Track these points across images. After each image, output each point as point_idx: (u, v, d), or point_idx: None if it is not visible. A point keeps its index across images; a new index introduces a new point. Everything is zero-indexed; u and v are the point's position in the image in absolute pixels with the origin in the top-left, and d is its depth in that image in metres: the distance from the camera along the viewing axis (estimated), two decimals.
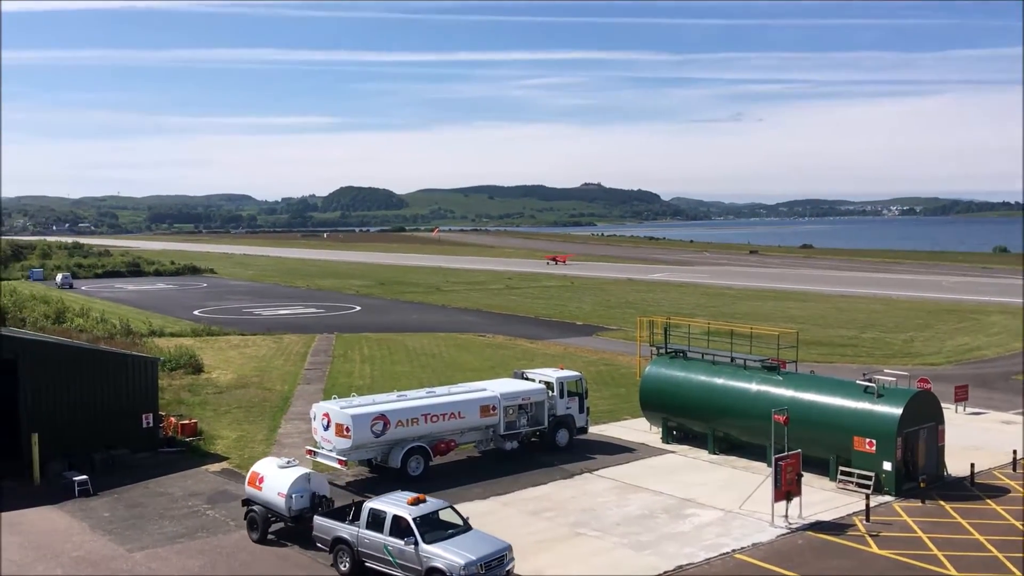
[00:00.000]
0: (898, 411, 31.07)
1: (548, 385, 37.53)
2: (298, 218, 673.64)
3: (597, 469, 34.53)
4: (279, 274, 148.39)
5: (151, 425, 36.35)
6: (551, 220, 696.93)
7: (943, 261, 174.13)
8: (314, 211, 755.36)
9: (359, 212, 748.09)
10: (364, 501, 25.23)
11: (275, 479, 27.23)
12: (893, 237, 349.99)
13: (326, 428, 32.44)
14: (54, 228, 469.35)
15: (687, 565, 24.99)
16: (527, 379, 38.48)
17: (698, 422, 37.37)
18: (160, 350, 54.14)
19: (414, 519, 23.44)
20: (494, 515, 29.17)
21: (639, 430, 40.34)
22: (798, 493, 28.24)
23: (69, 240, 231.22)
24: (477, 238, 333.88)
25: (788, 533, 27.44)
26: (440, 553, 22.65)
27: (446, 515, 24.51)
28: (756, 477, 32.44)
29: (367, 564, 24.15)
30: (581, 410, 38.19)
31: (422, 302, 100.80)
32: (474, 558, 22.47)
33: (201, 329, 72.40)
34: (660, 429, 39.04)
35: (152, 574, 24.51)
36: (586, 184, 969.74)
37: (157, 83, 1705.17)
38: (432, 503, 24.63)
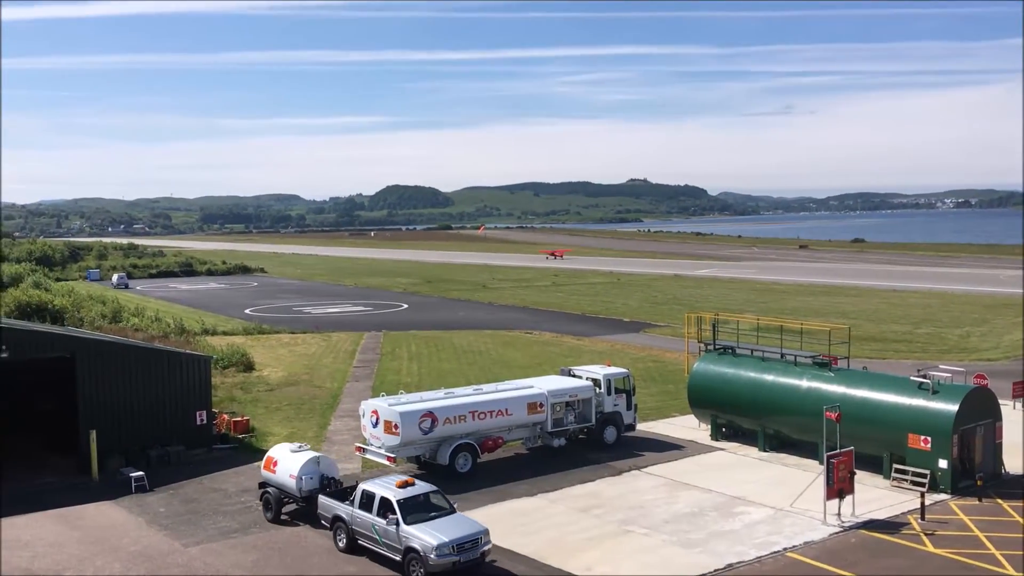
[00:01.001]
0: (954, 408, 30.41)
1: (595, 382, 37.42)
2: (345, 217, 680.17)
3: (645, 466, 34.36)
4: (327, 273, 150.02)
5: (204, 422, 37.02)
6: (597, 217, 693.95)
7: (999, 255, 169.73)
8: (361, 210, 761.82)
9: (405, 210, 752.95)
10: (360, 482, 26.69)
11: (287, 462, 28.98)
12: (948, 230, 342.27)
13: (375, 425, 32.76)
14: (110, 229, 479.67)
15: (737, 563, 24.75)
16: (574, 376, 38.41)
17: (748, 419, 36.97)
18: (213, 348, 55.10)
19: (398, 501, 24.84)
20: (542, 512, 29.20)
21: (688, 427, 40.05)
22: (851, 491, 27.81)
23: (124, 241, 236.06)
24: (523, 235, 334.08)
25: (841, 531, 27.03)
26: (417, 534, 23.97)
27: (436, 499, 25.63)
28: (807, 475, 32.00)
29: (359, 541, 25.69)
30: (629, 407, 38.02)
31: (469, 299, 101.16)
32: (446, 539, 23.69)
33: (252, 327, 73.56)
34: (709, 426, 38.71)
35: (207, 568, 24.96)
36: (632, 180, 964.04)
37: (209, 86, 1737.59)
38: (420, 487, 25.89)
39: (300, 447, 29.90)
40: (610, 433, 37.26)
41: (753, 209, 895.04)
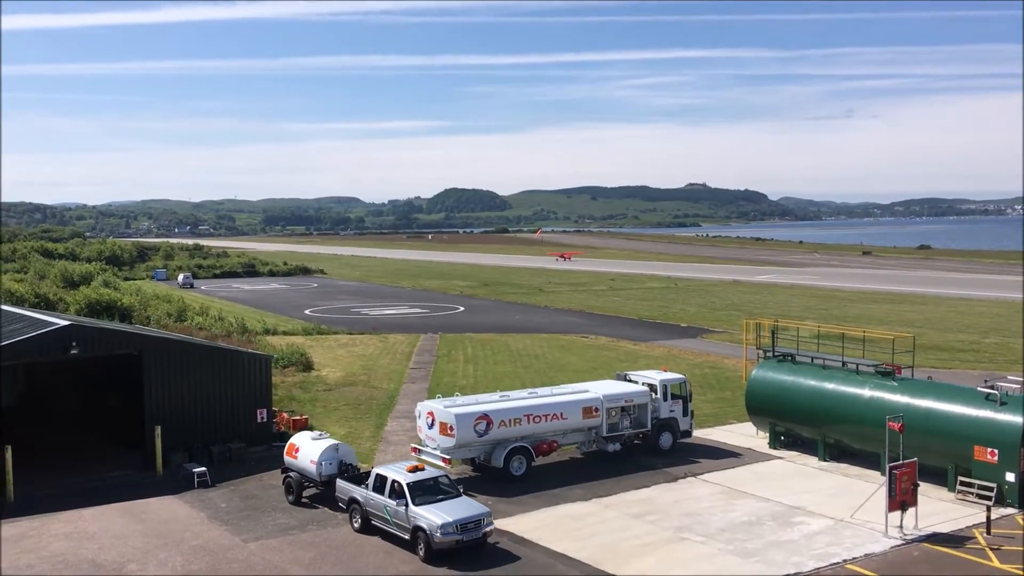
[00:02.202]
0: (1022, 420, 29.51)
1: (651, 387, 37.18)
2: (404, 220, 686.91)
3: (701, 473, 34.02)
4: (385, 275, 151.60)
5: (265, 420, 37.69)
6: (655, 221, 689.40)
7: None
8: (419, 213, 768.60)
9: (463, 213, 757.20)
10: (374, 468, 28.56)
11: (308, 449, 30.88)
12: (1017, 237, 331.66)
13: (430, 426, 33.00)
14: (176, 230, 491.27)
15: (795, 574, 24.36)
16: (630, 381, 38.20)
17: (807, 428, 36.36)
18: (273, 348, 56.10)
19: (407, 484, 26.60)
20: (596, 516, 29.10)
21: (745, 435, 39.54)
22: (914, 503, 27.17)
23: (190, 242, 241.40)
24: (580, 239, 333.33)
25: (903, 544, 26.41)
26: (424, 514, 25.73)
27: (444, 484, 27.48)
28: (869, 486, 31.33)
29: (372, 522, 27.46)
30: (685, 413, 37.69)
31: (525, 303, 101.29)
32: (451, 519, 25.40)
33: (311, 328, 74.67)
34: (767, 434, 38.17)
35: (266, 564, 25.42)
36: (691, 184, 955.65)
37: (273, 91, 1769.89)
38: (429, 472, 27.85)
39: (320, 435, 31.76)
40: (666, 439, 36.98)
41: (815, 214, 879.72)
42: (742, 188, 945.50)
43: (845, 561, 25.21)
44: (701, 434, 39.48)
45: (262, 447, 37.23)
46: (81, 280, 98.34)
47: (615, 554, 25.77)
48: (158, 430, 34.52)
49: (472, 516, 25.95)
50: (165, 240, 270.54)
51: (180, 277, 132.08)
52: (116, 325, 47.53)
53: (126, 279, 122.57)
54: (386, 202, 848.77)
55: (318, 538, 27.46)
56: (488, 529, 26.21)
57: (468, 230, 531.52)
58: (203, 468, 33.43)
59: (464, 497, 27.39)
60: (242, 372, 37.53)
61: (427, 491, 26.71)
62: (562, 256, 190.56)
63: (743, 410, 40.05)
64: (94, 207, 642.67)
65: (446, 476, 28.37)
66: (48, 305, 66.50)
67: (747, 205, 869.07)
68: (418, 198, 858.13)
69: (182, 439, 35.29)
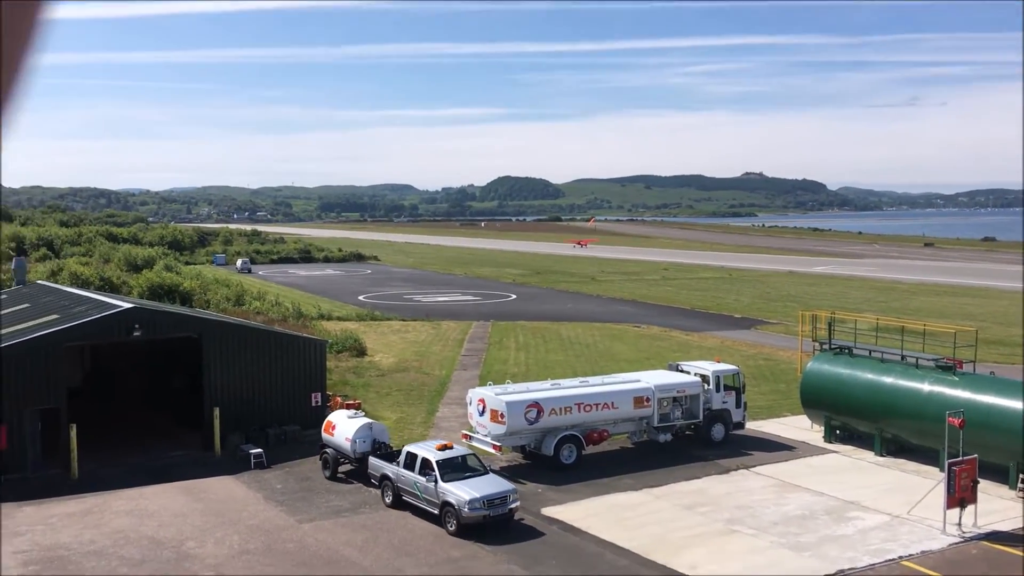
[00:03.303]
0: None
1: (704, 378, 36.88)
2: (457, 207, 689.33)
3: (754, 466, 33.68)
4: (438, 262, 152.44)
5: (319, 404, 38.25)
6: (710, 211, 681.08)
7: None
8: (472, 200, 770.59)
9: (516, 201, 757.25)
10: (405, 446, 29.82)
11: (343, 426, 31.97)
12: None
13: (481, 414, 33.19)
14: (235, 216, 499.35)
15: (849, 570, 24.02)
16: (682, 371, 37.94)
17: (864, 422, 35.75)
18: (328, 333, 56.86)
19: (436, 461, 27.64)
20: (646, 507, 29.02)
21: (799, 428, 39.02)
22: (973, 501, 26.56)
23: (248, 228, 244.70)
24: (633, 228, 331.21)
25: (961, 542, 25.86)
26: (452, 490, 26.71)
27: (472, 461, 28.60)
28: (927, 482, 30.70)
29: (403, 498, 28.50)
30: (738, 405, 37.32)
31: (577, 291, 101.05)
32: (478, 495, 26.37)
33: (365, 314, 75.46)
34: (822, 427, 37.62)
35: (319, 545, 25.89)
36: (747, 173, 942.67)
37: (329, 79, 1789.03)
38: (457, 450, 29.04)
39: (355, 414, 32.94)
40: (718, 430, 36.68)
41: (875, 204, 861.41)
42: (800, 177, 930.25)
43: (901, 558, 24.79)
44: (754, 426, 39.07)
45: (316, 430, 37.72)
46: (144, 264, 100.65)
47: (665, 545, 25.69)
48: (216, 411, 35.29)
49: (499, 492, 26.94)
50: (224, 226, 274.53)
51: (238, 262, 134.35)
52: (177, 308, 48.65)
53: (187, 264, 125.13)
54: (439, 189, 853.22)
55: (370, 520, 27.85)
56: (514, 505, 27.19)
57: (521, 218, 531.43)
58: (259, 450, 34.10)
59: (491, 474, 28.54)
60: (297, 356, 38.14)
61: (455, 468, 27.80)
62: (579, 243, 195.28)
63: (797, 403, 39.51)
64: (156, 193, 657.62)
65: (474, 455, 29.55)
66: (112, 288, 68.27)
67: (805, 195, 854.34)
68: (471, 186, 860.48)
69: (239, 421, 36.02)
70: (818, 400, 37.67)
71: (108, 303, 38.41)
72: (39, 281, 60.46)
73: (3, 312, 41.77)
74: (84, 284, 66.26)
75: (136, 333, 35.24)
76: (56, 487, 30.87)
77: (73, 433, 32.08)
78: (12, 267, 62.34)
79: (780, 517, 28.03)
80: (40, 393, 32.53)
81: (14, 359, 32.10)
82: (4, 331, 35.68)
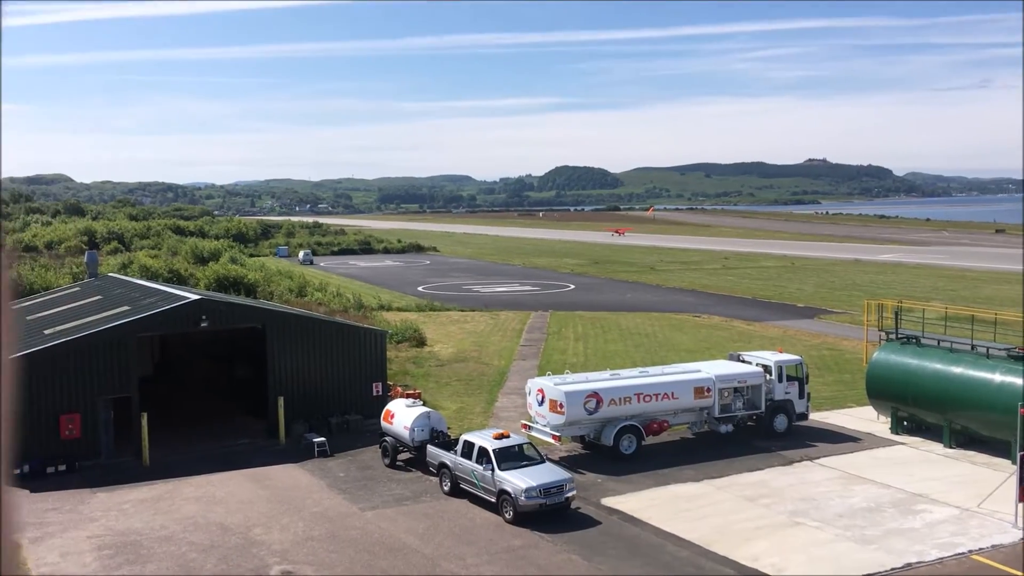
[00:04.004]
0: None
1: (766, 368, 36.39)
2: (515, 197, 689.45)
3: (818, 457, 33.16)
4: (496, 252, 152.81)
5: (380, 393, 38.73)
6: (771, 198, 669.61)
7: None
8: (530, 190, 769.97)
9: (574, 191, 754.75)
10: (462, 435, 30.17)
11: (402, 415, 32.55)
12: None
13: (540, 404, 33.24)
14: (297, 209, 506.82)
15: (917, 563, 23.53)
16: (743, 361, 37.49)
17: (932, 413, 34.91)
18: (388, 323, 57.51)
19: (493, 450, 27.98)
20: (707, 498, 28.80)
21: (865, 419, 38.28)
22: None
23: (310, 220, 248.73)
24: (693, 217, 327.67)
25: None
26: (509, 478, 27.03)
27: (528, 450, 28.87)
28: (998, 475, 29.89)
29: (461, 486, 28.88)
30: (801, 395, 36.74)
31: (636, 281, 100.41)
32: (535, 484, 26.63)
33: (424, 304, 76.11)
34: (889, 419, 36.83)
35: (381, 532, 26.26)
36: (810, 160, 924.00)
37: (388, 71, 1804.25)
38: (514, 439, 29.15)
39: (413, 403, 33.47)
40: (780, 421, 36.17)
41: (944, 190, 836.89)
42: (865, 163, 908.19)
43: (971, 552, 24.20)
44: (818, 417, 38.45)
45: (377, 419, 38.19)
46: (210, 256, 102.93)
47: (727, 536, 25.47)
48: (281, 401, 35.98)
49: (555, 481, 27.11)
50: (287, 218, 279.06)
51: (300, 254, 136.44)
52: (242, 300, 49.69)
53: (251, 255, 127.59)
54: (497, 180, 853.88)
55: (431, 509, 28.16)
56: (571, 494, 27.33)
57: (579, 208, 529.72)
58: (323, 438, 34.69)
59: (547, 463, 28.74)
60: (359, 346, 38.65)
61: (512, 457, 28.13)
62: (617, 231, 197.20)
63: (863, 394, 38.76)
64: (222, 186, 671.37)
65: (530, 444, 29.77)
66: (180, 280, 69.98)
67: (870, 181, 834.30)
68: (529, 176, 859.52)
69: (303, 410, 36.68)
70: (885, 391, 36.88)
71: (176, 295, 39.42)
72: (110, 274, 62.27)
73: (77, 304, 43.17)
74: (153, 276, 68.12)
75: (203, 324, 36.10)
76: (128, 474, 31.87)
77: (144, 421, 33.04)
78: (85, 260, 64.35)
79: (845, 509, 27.57)
80: (113, 382, 33.55)
81: (88, 349, 33.18)
82: (78, 322, 36.90)
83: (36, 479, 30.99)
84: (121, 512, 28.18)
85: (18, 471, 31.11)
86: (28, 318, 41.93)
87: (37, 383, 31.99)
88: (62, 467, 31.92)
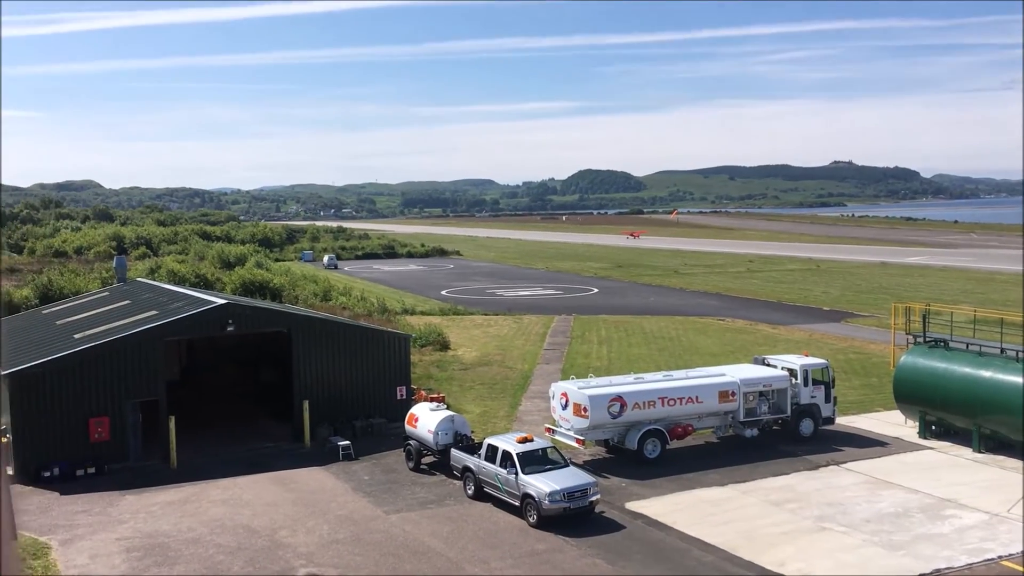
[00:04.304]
0: None
1: (791, 372, 36.15)
2: (538, 201, 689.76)
3: (845, 462, 32.88)
4: (519, 256, 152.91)
5: (404, 397, 38.86)
6: (796, 201, 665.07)
7: None
8: (553, 194, 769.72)
9: (597, 195, 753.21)
10: (486, 438, 30.02)
11: (426, 419, 32.66)
12: None
13: (564, 407, 33.21)
14: (321, 213, 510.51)
15: (945, 569, 23.28)
16: (768, 365, 37.27)
17: (961, 417, 34.51)
18: (411, 327, 57.70)
19: (517, 454, 27.95)
20: (732, 502, 28.64)
21: (892, 423, 37.91)
22: None
23: (334, 224, 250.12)
24: (716, 220, 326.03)
25: None
26: (532, 482, 27.01)
27: (552, 454, 28.82)
28: None
29: (485, 489, 28.88)
30: (827, 399, 36.45)
31: (660, 285, 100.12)
32: (559, 488, 26.58)
33: (448, 308, 76.31)
34: (917, 423, 36.47)
35: (406, 536, 26.34)
36: (835, 162, 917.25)
37: (410, 76, 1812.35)
38: (537, 442, 29.14)
39: (437, 407, 33.53)
40: (806, 426, 35.91)
41: (972, 192, 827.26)
42: (892, 165, 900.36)
43: (1000, 557, 23.90)
44: (844, 421, 38.13)
45: (401, 423, 38.27)
46: (236, 261, 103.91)
47: (753, 541, 25.32)
48: (306, 404, 36.20)
49: (579, 485, 27.05)
50: (311, 223, 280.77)
51: (325, 258, 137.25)
52: (268, 304, 50.03)
53: (276, 260, 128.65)
54: (520, 184, 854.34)
55: (454, 512, 28.20)
56: (595, 498, 27.25)
57: (602, 211, 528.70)
58: (347, 442, 34.85)
59: (571, 467, 28.71)
60: (383, 351, 38.81)
61: (536, 461, 28.09)
62: (632, 235, 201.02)
63: (890, 397, 38.40)
64: (248, 192, 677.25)
65: (554, 448, 29.71)
66: (206, 284, 70.63)
67: (897, 183, 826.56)
68: (552, 180, 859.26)
69: (327, 413, 36.87)
70: (912, 395, 36.52)
71: (203, 299, 39.77)
72: (139, 279, 62.97)
73: (106, 308, 43.68)
74: (180, 281, 68.77)
75: (229, 328, 36.39)
76: (156, 476, 32.19)
77: (172, 424, 33.35)
78: (114, 265, 65.14)
79: (873, 514, 27.32)
80: (141, 386, 33.91)
81: (117, 353, 33.55)
82: (107, 326, 37.32)
83: (66, 481, 31.40)
84: (149, 514, 28.46)
85: (47, 473, 31.54)
86: (58, 323, 42.48)
87: (67, 387, 32.41)
88: (91, 469, 32.28)
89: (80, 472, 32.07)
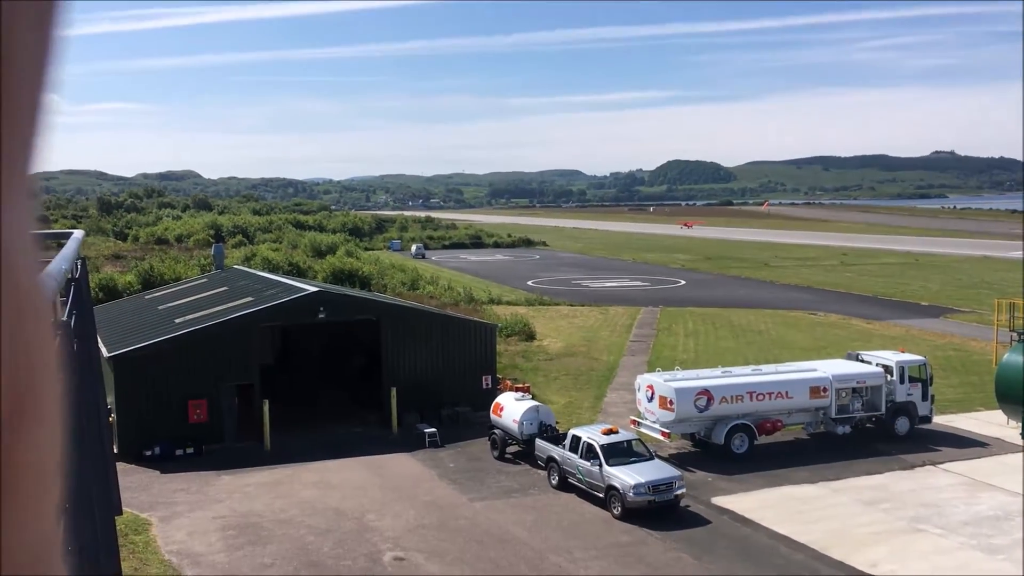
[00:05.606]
0: None
1: (887, 369, 35.06)
2: (625, 192, 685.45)
3: (942, 462, 31.77)
4: (606, 247, 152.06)
5: (489, 386, 39.16)
6: (894, 192, 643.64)
7: None
8: (641, 185, 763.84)
9: (685, 186, 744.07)
10: (570, 429, 30.12)
11: (511, 409, 32.80)
12: None
13: (650, 400, 32.98)
14: (410, 203, 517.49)
15: None
16: (863, 361, 36.24)
17: None
18: (497, 317, 58.03)
19: (601, 446, 27.84)
20: (823, 500, 28.01)
21: (994, 423, 36.42)
22: None
23: (422, 214, 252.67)
24: (809, 212, 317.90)
25: None
26: (617, 474, 26.86)
27: (637, 447, 28.74)
28: None
29: (569, 480, 28.88)
30: (925, 398, 35.24)
31: (749, 277, 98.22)
32: (643, 480, 26.41)
33: (534, 299, 76.41)
34: (1019, 424, 34.94)
35: (490, 523, 26.62)
36: (936, 152, 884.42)
37: (498, 68, 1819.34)
38: (622, 434, 29.11)
39: (523, 396, 33.82)
40: (902, 424, 34.79)
41: None
42: (996, 155, 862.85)
43: None
44: (943, 420, 36.81)
45: (486, 412, 38.63)
46: (327, 250, 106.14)
47: (844, 541, 24.72)
48: (394, 391, 36.86)
49: (664, 478, 26.93)
50: (400, 213, 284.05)
51: (413, 248, 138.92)
52: (358, 292, 51.11)
53: (366, 249, 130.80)
54: (608, 175, 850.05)
55: (538, 502, 28.35)
56: (680, 492, 27.11)
57: (691, 203, 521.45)
58: (434, 429, 35.33)
59: (656, 460, 28.52)
60: (469, 340, 39.20)
61: (620, 453, 28.01)
62: (686, 224, 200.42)
63: (991, 397, 36.87)
64: (339, 182, 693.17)
65: (639, 440, 29.61)
66: (299, 272, 72.41)
67: (1001, 174, 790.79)
68: (640, 170, 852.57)
69: (414, 401, 37.45)
70: (1015, 394, 34.96)
71: (296, 287, 40.85)
72: (235, 266, 65.01)
73: (205, 295, 45.31)
74: (274, 269, 70.71)
75: (321, 315, 37.30)
76: (251, 458, 33.27)
77: (266, 408, 34.42)
78: (212, 253, 67.47)
79: (971, 517, 26.34)
80: (237, 370, 35.10)
81: (215, 338, 34.81)
82: (205, 312, 38.72)
83: (166, 460, 32.77)
84: (244, 494, 29.47)
85: (149, 452, 32.96)
86: (160, 308, 44.27)
87: (167, 369, 33.78)
88: (190, 450, 33.58)
89: (179, 452, 33.38)
